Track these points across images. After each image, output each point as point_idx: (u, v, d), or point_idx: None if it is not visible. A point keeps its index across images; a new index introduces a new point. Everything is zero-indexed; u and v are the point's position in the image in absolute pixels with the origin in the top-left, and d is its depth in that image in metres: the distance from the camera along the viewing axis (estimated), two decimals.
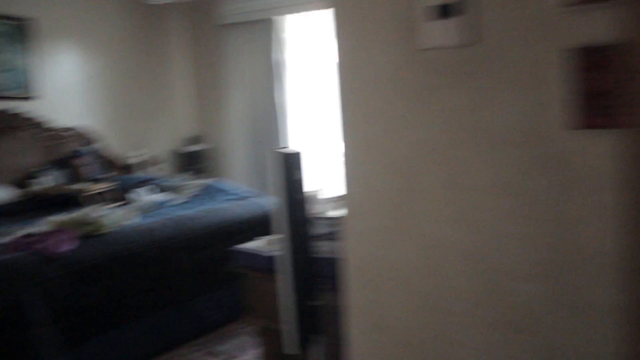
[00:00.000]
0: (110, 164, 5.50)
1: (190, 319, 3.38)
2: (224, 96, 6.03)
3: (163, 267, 3.28)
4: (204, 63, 6.27)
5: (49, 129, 5.01)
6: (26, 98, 4.85)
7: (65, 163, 4.89)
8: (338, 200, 1.99)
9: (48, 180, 4.67)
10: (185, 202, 4.13)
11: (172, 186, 4.48)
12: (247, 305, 2.51)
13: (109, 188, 4.28)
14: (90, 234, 3.07)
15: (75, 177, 4.84)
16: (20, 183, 4.56)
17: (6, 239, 3.11)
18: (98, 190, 4.15)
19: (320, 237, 2.05)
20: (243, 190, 4.42)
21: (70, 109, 5.20)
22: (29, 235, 3.05)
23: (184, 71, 6.35)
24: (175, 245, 3.37)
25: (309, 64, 5.33)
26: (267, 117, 5.60)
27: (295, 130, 5.61)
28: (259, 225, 3.91)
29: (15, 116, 4.76)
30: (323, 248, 2.02)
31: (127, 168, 5.64)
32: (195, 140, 6.33)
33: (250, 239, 3.70)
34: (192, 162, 6.10)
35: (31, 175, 4.73)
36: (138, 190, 4.06)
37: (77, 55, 5.29)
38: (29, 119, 4.85)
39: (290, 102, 5.56)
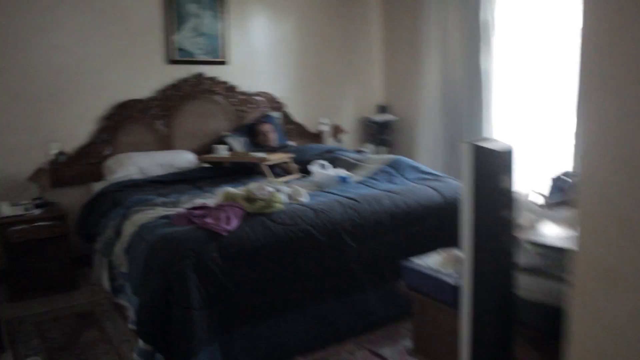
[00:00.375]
0: (295, 132, 5.37)
1: (355, 312, 3.03)
2: (416, 62, 5.49)
3: (331, 255, 2.95)
4: (397, 24, 5.77)
5: (240, 94, 4.99)
6: (219, 62, 4.88)
7: (252, 129, 4.85)
8: (564, 217, 1.40)
9: (235, 146, 4.67)
10: (368, 178, 3.73)
11: (355, 159, 4.13)
12: (417, 337, 2.01)
13: (289, 158, 4.08)
14: (260, 212, 2.85)
15: (260, 144, 4.79)
16: (207, 148, 4.62)
17: (175, 209, 3.05)
18: (278, 161, 3.98)
19: (526, 269, 1.47)
20: (433, 171, 3.91)
21: (258, 74, 5.14)
22: (197, 208, 2.93)
23: (375, 33, 5.94)
24: (349, 230, 3.02)
25: (526, 26, 4.38)
26: (468, 88, 4.86)
27: (502, 107, 4.72)
28: (451, 216, 3.41)
29: (212, 80, 4.80)
30: (529, 286, 1.44)
31: (311, 137, 5.47)
32: (382, 110, 5.93)
33: (438, 230, 3.37)
34: (377, 133, 5.72)
35: (219, 140, 4.78)
36: (318, 161, 3.78)
37: (265, 18, 5.18)
38: (222, 83, 4.87)
39: (498, 73, 4.69)
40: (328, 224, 2.98)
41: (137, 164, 4.16)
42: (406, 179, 3.73)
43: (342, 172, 3.67)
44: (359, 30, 5.80)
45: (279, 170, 4.26)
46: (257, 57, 5.13)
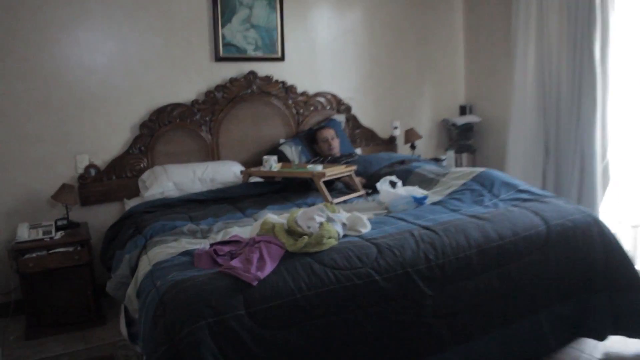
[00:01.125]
0: (363, 138, 4.63)
1: None
2: (506, 53, 4.59)
3: (400, 307, 2.18)
4: (482, 9, 4.88)
5: (299, 95, 4.31)
6: (274, 59, 4.22)
7: (311, 136, 4.16)
8: None
9: (291, 155, 4.00)
10: (450, 199, 2.93)
11: (433, 172, 3.33)
12: None
13: (352, 171, 3.34)
14: (304, 251, 2.14)
15: (321, 153, 4.09)
16: (258, 159, 3.97)
17: (204, 241, 2.37)
18: (337, 175, 3.24)
19: None
20: (532, 188, 3.03)
21: (319, 72, 4.44)
22: (226, 242, 2.26)
23: (456, 21, 5.08)
24: (424, 273, 2.24)
25: None
26: (575, 84, 3.93)
27: (621, 107, 3.77)
28: (561, 251, 2.56)
29: (266, 79, 4.15)
30: None
31: (382, 143, 4.70)
32: (464, 111, 5.06)
33: (542, 270, 2.47)
34: (458, 138, 4.86)
35: (273, 149, 4.12)
36: (388, 178, 3.01)
37: (328, 7, 4.46)
38: (278, 82, 4.21)
39: (617, 63, 3.74)
40: (396, 265, 2.21)
41: (173, 178, 3.57)
42: (498, 199, 2.89)
43: (416, 190, 2.88)
44: (436, 19, 4.96)
45: (339, 185, 3.53)
46: (319, 52, 4.42)
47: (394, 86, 4.78)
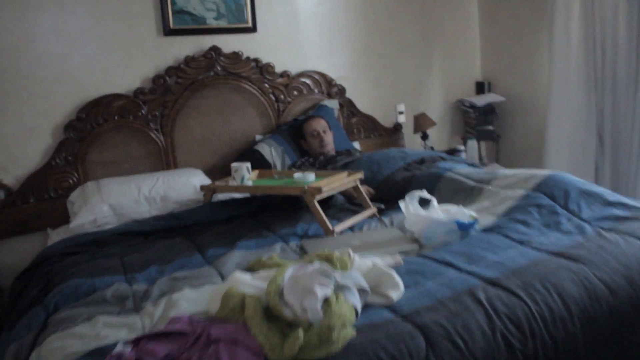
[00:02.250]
0: (362, 128, 3.66)
1: None
2: (538, 14, 3.64)
3: None
4: None
5: (278, 75, 3.32)
6: (243, 30, 3.22)
7: (297, 129, 3.20)
8: None
9: (270, 157, 3.02)
10: (508, 220, 1.98)
11: (474, 178, 2.37)
12: None
13: (357, 180, 2.37)
14: (303, 359, 1.18)
15: (310, 152, 3.13)
16: (229, 163, 3.00)
17: (120, 346, 1.37)
18: (337, 189, 2.27)
19: None
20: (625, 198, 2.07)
21: (303, 45, 3.44)
22: (161, 336, 1.30)
23: None
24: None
25: None
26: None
27: None
28: None
29: (234, 56, 3.15)
30: None
31: (385, 133, 3.74)
32: (483, 88, 4.11)
33: None
34: (476, 122, 3.91)
35: (247, 150, 3.15)
36: (414, 194, 2.03)
37: None
38: (250, 61, 3.21)
39: None
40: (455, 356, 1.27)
41: (109, 199, 2.58)
42: (581, 219, 1.95)
43: (461, 213, 1.92)
44: None
45: (339, 198, 2.57)
46: (302, 19, 3.42)
47: (396, 61, 3.80)
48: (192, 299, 1.60)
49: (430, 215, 1.89)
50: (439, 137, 4.03)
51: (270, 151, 3.06)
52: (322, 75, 3.47)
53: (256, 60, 3.22)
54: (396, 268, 1.65)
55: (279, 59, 3.32)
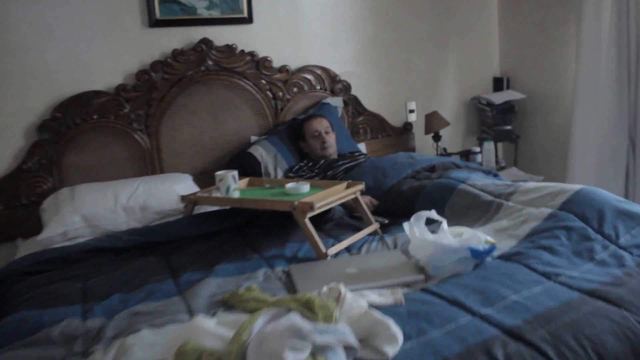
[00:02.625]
0: (369, 128, 3.37)
1: None
2: (560, 4, 3.32)
3: None
4: None
5: (277, 71, 3.03)
6: (238, 21, 2.93)
7: (296, 130, 2.92)
8: None
9: (265, 160, 2.75)
10: (530, 247, 1.68)
11: (491, 192, 2.06)
12: None
13: (356, 192, 2.08)
14: None
15: (311, 155, 2.85)
16: (219, 167, 2.72)
17: None
18: (335, 202, 1.98)
19: None
20: None
21: (305, 39, 3.15)
22: None
23: None
24: None
25: None
26: None
27: None
28: None
29: (228, 50, 2.87)
30: None
31: (394, 133, 3.45)
32: (501, 85, 3.78)
33: None
34: (494, 122, 3.60)
35: (240, 153, 2.88)
36: (420, 216, 1.71)
37: None
38: (246, 54, 2.93)
39: None
40: None
41: (83, 208, 2.32)
42: (618, 245, 1.65)
43: (475, 237, 1.62)
44: None
45: (338, 210, 2.28)
46: (303, 9, 3.12)
47: (406, 54, 3.49)
48: (149, 344, 1.33)
49: (439, 240, 1.60)
50: (452, 138, 3.72)
51: (263, 155, 2.78)
52: (325, 70, 3.18)
53: (252, 54, 2.93)
54: (396, 308, 1.37)
55: (278, 53, 3.03)
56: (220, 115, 2.90)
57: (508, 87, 3.76)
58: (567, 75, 3.35)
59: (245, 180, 2.39)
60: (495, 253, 1.65)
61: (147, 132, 2.75)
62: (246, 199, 2.02)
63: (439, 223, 1.70)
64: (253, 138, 2.97)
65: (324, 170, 2.72)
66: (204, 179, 2.82)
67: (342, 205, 2.28)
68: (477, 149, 3.48)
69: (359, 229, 2.08)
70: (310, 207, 1.81)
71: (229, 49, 2.88)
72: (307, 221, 1.83)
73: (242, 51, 2.91)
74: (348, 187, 2.10)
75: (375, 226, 2.08)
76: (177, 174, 2.74)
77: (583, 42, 3.03)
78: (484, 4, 3.72)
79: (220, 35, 2.87)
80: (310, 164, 2.80)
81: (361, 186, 2.08)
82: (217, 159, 2.91)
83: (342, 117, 3.24)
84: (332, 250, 1.84)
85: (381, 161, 2.56)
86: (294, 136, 2.92)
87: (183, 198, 2.22)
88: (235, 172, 2.17)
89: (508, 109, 3.60)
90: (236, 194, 2.16)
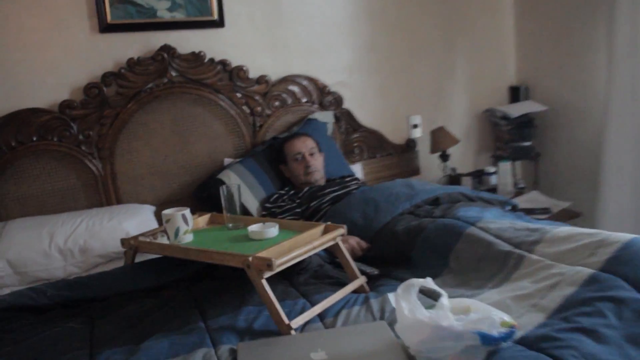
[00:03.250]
0: (366, 146, 2.93)
1: None
2: (588, 4, 2.86)
3: None
4: None
5: (254, 82, 2.60)
6: (207, 24, 2.51)
7: (277, 151, 2.49)
8: None
9: (234, 188, 2.31)
10: (568, 324, 1.20)
11: (506, 236, 1.59)
12: None
13: (337, 238, 1.62)
14: None
15: (292, 181, 2.42)
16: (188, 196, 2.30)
17: None
18: (307, 252, 1.52)
19: None
20: None
21: (287, 43, 2.71)
22: None
23: None
24: None
25: None
26: None
27: None
28: None
29: (196, 59, 2.45)
30: None
31: (395, 152, 3.00)
32: (517, 95, 3.32)
33: None
34: (510, 138, 3.13)
35: (208, 181, 2.45)
36: (416, 281, 1.25)
37: None
38: (217, 63, 2.50)
39: None
40: None
41: (8, 252, 1.91)
42: None
43: (486, 318, 1.16)
44: None
45: (314, 260, 1.82)
46: (285, 10, 2.69)
47: (408, 61, 3.04)
48: None
49: (437, 321, 1.15)
50: (463, 156, 3.26)
51: (236, 181, 2.35)
52: (313, 80, 2.74)
53: (223, 63, 2.51)
54: None
55: (255, 61, 2.60)
56: (187, 134, 2.48)
57: (526, 98, 3.29)
58: (596, 84, 2.88)
59: (206, 217, 1.96)
60: (516, 337, 1.19)
61: (100, 156, 2.34)
62: (193, 249, 1.58)
63: (440, 298, 1.24)
64: (227, 160, 2.54)
65: (307, 200, 2.28)
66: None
67: (329, 252, 1.83)
68: (492, 169, 3.02)
69: (341, 283, 1.64)
70: (269, 265, 1.37)
71: (196, 57, 2.45)
72: (264, 283, 1.39)
73: (212, 60, 2.48)
74: (327, 230, 1.65)
75: (360, 281, 1.62)
76: (134, 205, 2.32)
77: (617, 46, 2.56)
78: (497, 2, 3.26)
79: (186, 42, 2.45)
80: (292, 192, 2.37)
81: (341, 231, 1.63)
82: (184, 185, 2.49)
83: (334, 135, 2.80)
84: (298, 322, 1.39)
85: (374, 191, 2.11)
86: (274, 158, 2.49)
87: (122, 242, 1.78)
88: (187, 211, 1.73)
89: (527, 122, 3.13)
90: (187, 238, 1.73)
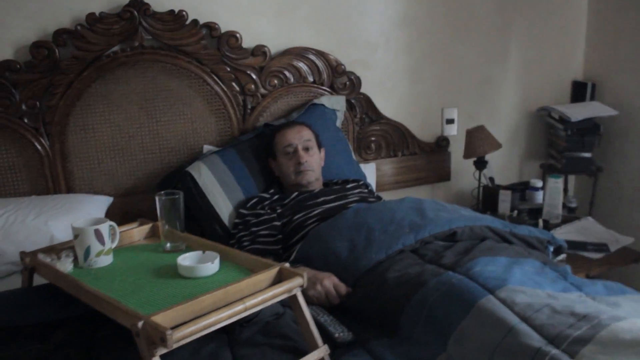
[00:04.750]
0: (385, 143, 2.41)
1: None
2: None
3: None
4: None
5: (246, 52, 2.10)
6: None
7: (263, 143, 2.00)
8: None
9: (205, 183, 1.86)
10: None
11: (541, 327, 1.05)
12: None
13: (292, 289, 1.14)
14: None
15: (282, 181, 1.94)
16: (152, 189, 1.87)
17: None
18: (226, 317, 1.05)
19: None
20: None
21: (291, 9, 2.18)
22: None
23: None
24: None
25: None
26: None
27: None
28: None
29: (176, 20, 1.96)
30: None
31: (422, 153, 2.47)
32: (582, 92, 2.69)
33: None
34: (569, 146, 2.54)
35: (174, 174, 2.00)
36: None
37: None
38: (200, 27, 2.02)
39: None
40: None
41: None
42: None
43: None
44: None
45: (270, 310, 1.34)
46: None
47: (450, 41, 2.47)
48: None
49: None
50: (505, 162, 2.69)
51: (209, 176, 1.88)
52: (324, 56, 2.22)
53: (210, 27, 2.01)
54: None
55: (251, 27, 2.10)
56: (158, 112, 2.02)
57: (593, 98, 2.67)
58: None
59: (146, 228, 1.50)
60: None
61: (47, 132, 1.91)
62: (84, 289, 1.12)
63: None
64: (206, 148, 2.08)
65: (291, 211, 1.79)
66: (133, 203, 1.97)
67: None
68: (539, 183, 2.44)
69: (297, 350, 1.17)
70: (161, 338, 0.90)
71: (175, 17, 1.97)
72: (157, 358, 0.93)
73: (195, 22, 1.99)
74: (284, 276, 1.16)
75: (320, 353, 1.14)
76: (81, 195, 1.91)
77: None
78: None
79: None
80: (276, 197, 1.89)
81: (299, 282, 1.14)
82: (152, 174, 2.05)
83: (346, 125, 2.29)
84: None
85: (370, 212, 1.59)
86: (262, 150, 2.00)
87: (22, 257, 1.35)
88: (103, 225, 1.28)
89: (590, 128, 2.52)
90: (102, 262, 1.29)
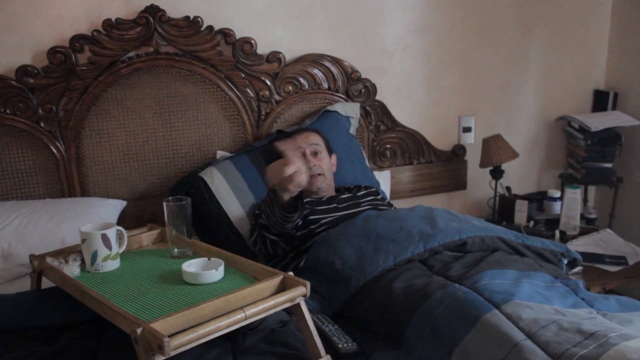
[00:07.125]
0: (400, 150, 2.39)
1: None
2: None
3: None
4: None
5: (262, 59, 2.10)
6: None
7: (276, 150, 1.99)
8: None
9: (219, 189, 1.86)
10: None
11: (547, 344, 1.02)
12: None
13: (295, 299, 1.13)
14: None
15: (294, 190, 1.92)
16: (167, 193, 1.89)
17: None
18: (224, 326, 1.05)
19: None
20: None
21: (309, 11, 2.18)
22: None
23: None
24: None
25: None
26: None
27: None
28: None
29: (191, 25, 1.98)
30: None
31: (438, 161, 2.45)
32: (604, 102, 2.64)
33: None
34: (591, 156, 2.48)
35: (186, 179, 2.01)
36: None
37: None
38: (216, 33, 2.02)
39: None
40: None
41: None
42: None
43: None
44: None
45: (274, 318, 1.33)
46: None
47: (469, 47, 2.44)
48: None
49: None
50: (523, 171, 2.64)
51: (222, 182, 1.88)
52: (339, 62, 2.21)
53: (225, 33, 2.02)
54: None
55: (267, 34, 2.11)
56: (172, 118, 2.03)
57: (614, 107, 2.61)
58: None
59: (155, 233, 1.51)
60: None
61: (63, 136, 1.94)
62: (89, 294, 1.13)
63: None
64: (220, 154, 2.08)
65: (302, 218, 1.78)
66: (146, 207, 1.99)
67: None
68: (557, 194, 2.40)
69: (300, 359, 1.15)
70: (158, 345, 0.90)
71: (190, 23, 1.98)
72: None
73: (211, 28, 2.00)
74: (287, 285, 1.15)
75: None
76: (95, 199, 1.92)
77: None
78: None
79: (179, 2, 1.98)
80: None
81: (302, 291, 1.13)
82: (165, 178, 2.06)
83: (361, 133, 2.28)
84: None
85: (380, 220, 1.58)
86: (274, 157, 2.00)
87: (30, 260, 1.36)
88: (111, 230, 1.29)
89: (611, 138, 2.47)
90: (110, 266, 1.30)
